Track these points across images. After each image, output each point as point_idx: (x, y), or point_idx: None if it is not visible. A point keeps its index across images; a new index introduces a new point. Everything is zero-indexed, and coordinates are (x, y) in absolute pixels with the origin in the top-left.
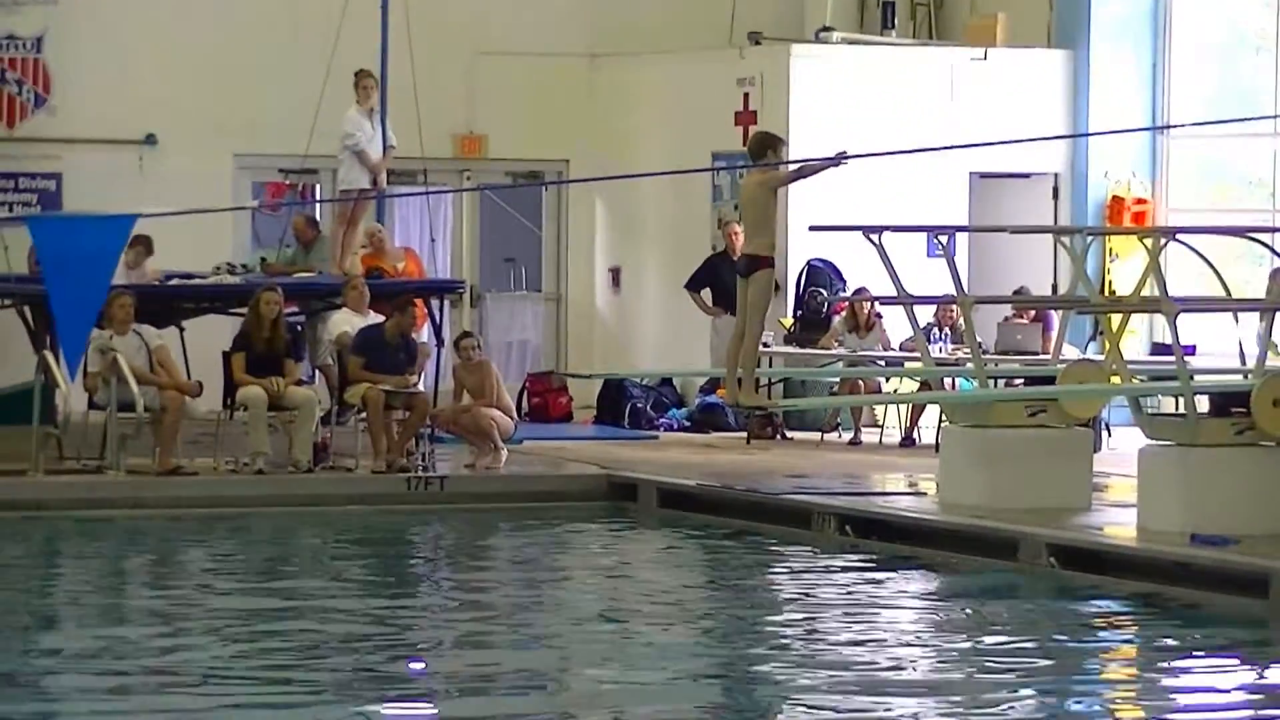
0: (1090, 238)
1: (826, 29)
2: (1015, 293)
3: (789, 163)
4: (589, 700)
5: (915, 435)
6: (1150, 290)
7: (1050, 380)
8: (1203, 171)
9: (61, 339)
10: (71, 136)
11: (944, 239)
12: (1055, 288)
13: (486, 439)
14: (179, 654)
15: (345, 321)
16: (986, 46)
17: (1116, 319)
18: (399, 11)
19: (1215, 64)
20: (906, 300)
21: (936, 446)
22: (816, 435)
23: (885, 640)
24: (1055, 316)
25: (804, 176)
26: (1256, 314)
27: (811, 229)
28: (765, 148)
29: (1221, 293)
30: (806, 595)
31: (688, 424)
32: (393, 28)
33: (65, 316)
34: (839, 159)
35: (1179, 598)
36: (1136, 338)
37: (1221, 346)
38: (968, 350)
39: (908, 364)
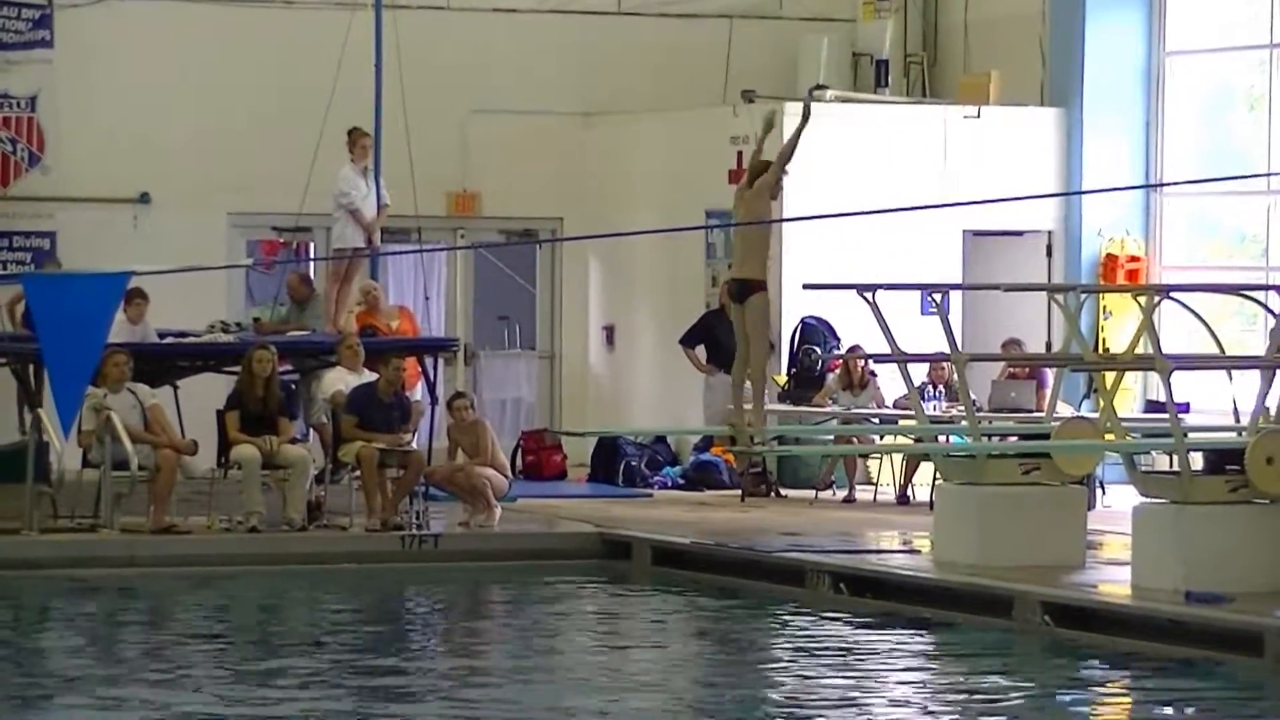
0: (1084, 295)
1: (820, 87)
2: (1005, 345)
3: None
4: None
5: (910, 493)
6: (1144, 348)
7: (1044, 438)
8: (1196, 229)
9: (56, 397)
10: (65, 195)
11: (938, 297)
12: (1049, 345)
13: (480, 497)
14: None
15: (339, 380)
16: (980, 105)
17: (1110, 377)
18: (393, 70)
19: (1207, 122)
20: (900, 358)
21: (931, 504)
22: (811, 493)
23: (878, 699)
24: (1049, 374)
25: (792, 152)
26: (1251, 371)
27: (805, 287)
28: (762, 169)
29: (1215, 350)
30: (800, 654)
31: (682, 482)
32: (387, 86)
33: (60, 374)
34: (806, 109)
35: (1173, 655)
36: (1131, 395)
37: (1215, 404)
38: (962, 408)
39: (902, 422)
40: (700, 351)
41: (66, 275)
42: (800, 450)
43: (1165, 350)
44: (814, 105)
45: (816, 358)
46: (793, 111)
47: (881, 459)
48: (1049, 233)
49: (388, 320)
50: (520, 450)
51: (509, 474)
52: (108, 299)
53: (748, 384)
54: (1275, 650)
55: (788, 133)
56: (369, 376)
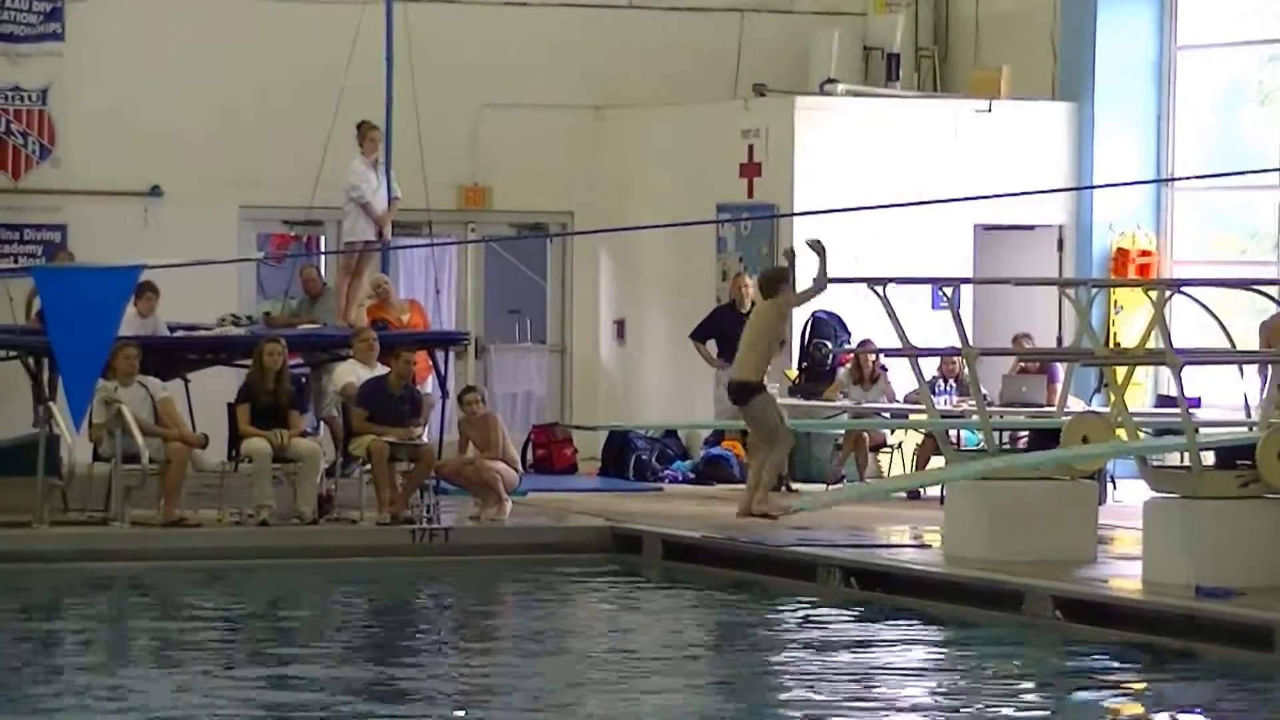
0: (1095, 290)
1: (831, 81)
2: (1015, 339)
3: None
4: None
5: (920, 488)
6: (1155, 342)
7: (1055, 432)
8: (1207, 223)
9: (66, 390)
10: (76, 188)
11: (949, 291)
12: (1060, 340)
13: (491, 491)
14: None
15: (351, 372)
16: (991, 99)
17: (1121, 371)
18: (404, 63)
19: (1218, 117)
20: (911, 352)
21: (941, 499)
22: (822, 487)
23: (889, 693)
24: (1060, 368)
25: (811, 298)
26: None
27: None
28: (776, 283)
29: (1226, 345)
30: (810, 648)
31: (692, 476)
32: (398, 79)
33: (70, 367)
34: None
35: (1184, 650)
36: (1141, 390)
37: (1226, 399)
38: (973, 402)
39: (912, 416)
40: (711, 346)
41: (77, 268)
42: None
43: (1176, 345)
44: (825, 97)
45: (827, 352)
46: (803, 105)
47: (892, 454)
48: (1060, 227)
49: (399, 314)
50: (531, 444)
51: (519, 468)
52: (118, 293)
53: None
54: None
55: (798, 130)
56: (381, 370)
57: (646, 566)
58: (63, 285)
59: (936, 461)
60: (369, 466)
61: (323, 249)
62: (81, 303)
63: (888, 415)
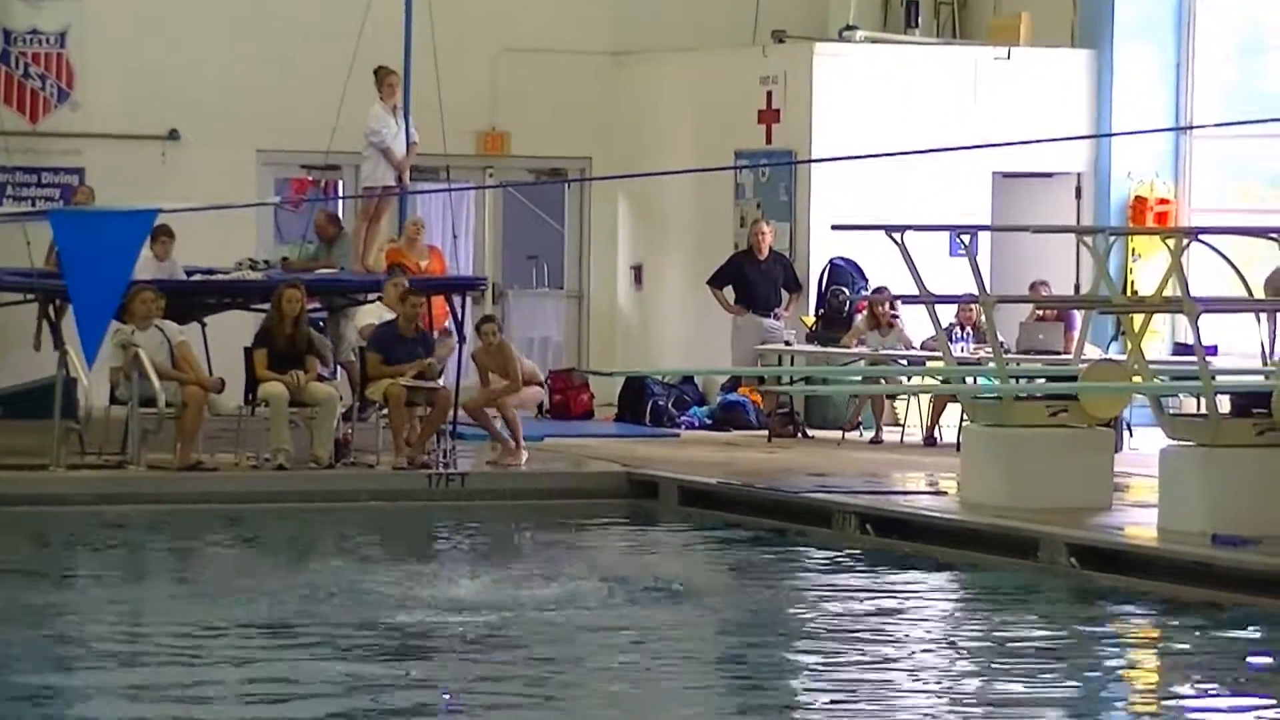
0: (1113, 238)
1: (850, 28)
2: (1031, 287)
3: None
4: (607, 704)
5: (936, 434)
6: (1172, 290)
7: (1072, 380)
8: (1225, 171)
9: (80, 327)
10: (94, 132)
11: (966, 238)
12: (1078, 287)
13: (511, 434)
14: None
15: (375, 314)
16: (1010, 46)
17: (1139, 319)
18: (422, 8)
19: (1238, 63)
20: (928, 299)
21: (958, 446)
22: (838, 434)
23: (903, 639)
24: (1078, 316)
25: None
26: (1278, 314)
27: (834, 228)
28: None
29: (1244, 293)
30: (826, 594)
31: (709, 422)
32: (416, 24)
33: (83, 306)
34: None
35: (1199, 598)
36: (1159, 338)
37: (1243, 347)
38: (989, 350)
39: (929, 363)
40: (728, 292)
41: (93, 211)
42: (828, 390)
43: (1193, 293)
44: (844, 44)
45: (845, 299)
46: (822, 51)
47: (909, 401)
48: (1078, 175)
49: (418, 259)
50: (548, 389)
51: (540, 378)
52: (134, 236)
53: None
54: None
55: (817, 76)
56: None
57: (663, 513)
58: (79, 228)
59: (953, 409)
60: (386, 411)
61: (340, 194)
62: (97, 245)
63: (905, 363)
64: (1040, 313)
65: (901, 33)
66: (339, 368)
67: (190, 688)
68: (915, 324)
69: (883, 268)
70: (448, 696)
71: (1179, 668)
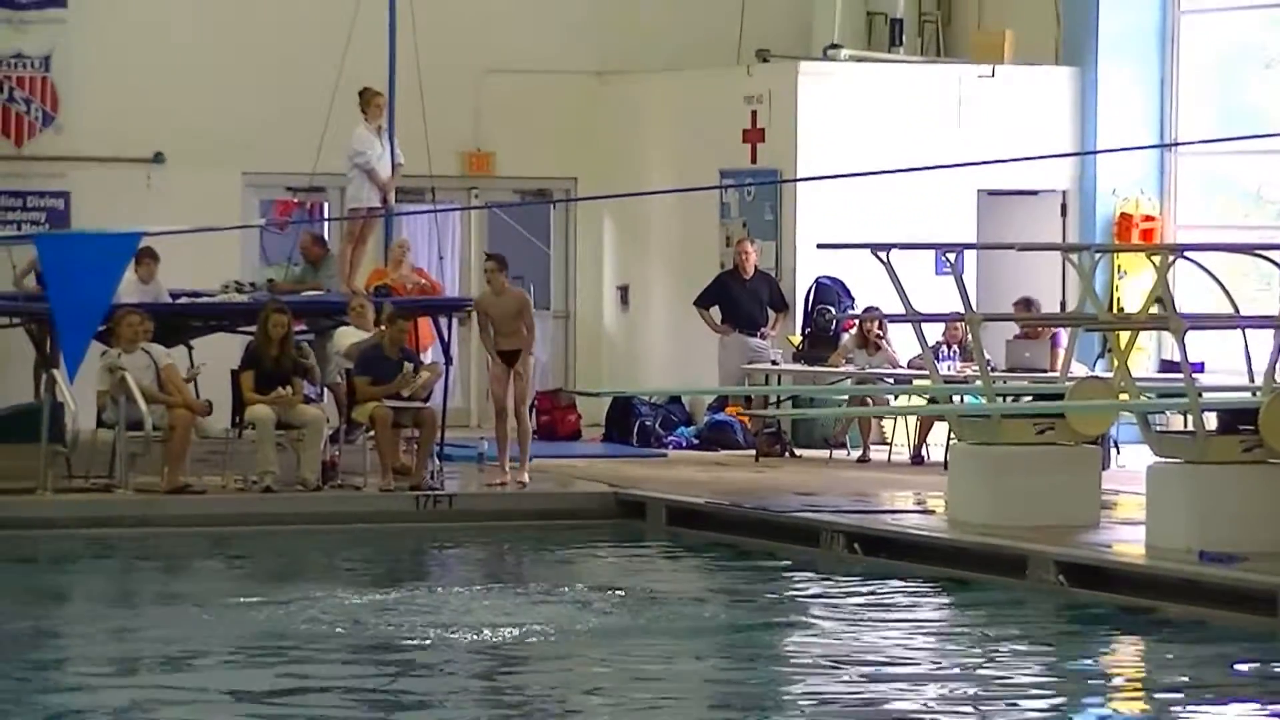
0: (1098, 255)
1: (834, 46)
2: (1017, 304)
3: None
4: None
5: (924, 453)
6: (1158, 308)
7: (1059, 397)
8: (1210, 188)
9: (62, 347)
10: (79, 155)
11: (952, 256)
12: (1064, 305)
13: (521, 448)
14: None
15: (351, 335)
16: (994, 64)
17: (1125, 336)
18: (407, 29)
19: (1223, 80)
20: (914, 318)
21: (945, 464)
22: (825, 453)
23: (892, 658)
24: (1064, 334)
25: None
26: (1264, 331)
27: (819, 246)
28: None
29: (1229, 310)
30: (814, 613)
31: (696, 442)
32: (400, 45)
33: (66, 325)
34: None
35: (1187, 615)
36: (1145, 355)
37: (1229, 364)
38: (976, 368)
39: (916, 382)
40: (715, 312)
41: (78, 234)
42: (815, 413)
43: (1179, 310)
44: (828, 63)
45: (831, 317)
46: (806, 70)
47: (896, 419)
48: (1063, 192)
49: (404, 281)
50: (534, 410)
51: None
52: (118, 257)
53: None
54: None
55: (801, 95)
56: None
57: (650, 533)
58: (63, 249)
59: (940, 428)
60: (373, 433)
61: (326, 215)
62: (81, 266)
63: (891, 381)
64: (1026, 330)
65: (886, 51)
66: (325, 390)
67: (177, 707)
68: (902, 343)
69: (868, 286)
70: None
71: (1166, 684)
